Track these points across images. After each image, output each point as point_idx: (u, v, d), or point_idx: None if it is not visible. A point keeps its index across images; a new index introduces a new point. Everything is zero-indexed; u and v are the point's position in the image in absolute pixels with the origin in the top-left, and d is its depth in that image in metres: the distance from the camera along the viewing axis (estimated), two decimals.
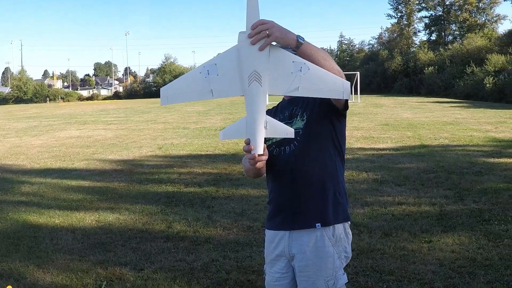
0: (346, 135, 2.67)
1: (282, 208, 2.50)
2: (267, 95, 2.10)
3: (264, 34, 1.98)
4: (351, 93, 38.44)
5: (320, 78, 2.02)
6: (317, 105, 2.43)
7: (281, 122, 2.31)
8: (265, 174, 2.57)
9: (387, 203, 6.85)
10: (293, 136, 2.20)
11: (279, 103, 2.69)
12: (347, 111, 2.48)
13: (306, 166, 2.43)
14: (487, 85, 37.56)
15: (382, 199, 7.09)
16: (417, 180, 8.21)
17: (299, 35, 2.08)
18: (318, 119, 2.44)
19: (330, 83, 2.02)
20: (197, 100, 2.12)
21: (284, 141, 2.47)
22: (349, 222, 2.53)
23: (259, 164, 2.22)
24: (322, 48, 2.21)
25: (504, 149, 11.56)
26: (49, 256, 5.19)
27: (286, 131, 2.16)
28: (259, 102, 2.08)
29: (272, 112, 2.63)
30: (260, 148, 2.15)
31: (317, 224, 2.40)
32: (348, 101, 2.38)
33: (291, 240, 2.46)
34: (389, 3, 72.03)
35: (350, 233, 2.55)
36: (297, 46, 2.08)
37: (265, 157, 2.23)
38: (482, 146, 12.18)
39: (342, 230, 2.47)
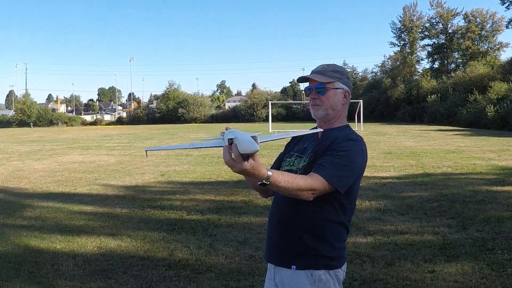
0: None
1: (269, 241, 2.56)
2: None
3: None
4: (354, 121, 38.62)
5: None
6: (326, 154, 2.31)
7: (294, 152, 2.51)
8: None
9: (390, 232, 6.81)
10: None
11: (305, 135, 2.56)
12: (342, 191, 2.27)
13: (293, 210, 2.38)
14: (489, 113, 37.73)
15: (385, 228, 7.05)
16: (420, 209, 8.17)
17: (267, 179, 2.00)
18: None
19: None
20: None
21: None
22: (335, 270, 2.38)
23: None
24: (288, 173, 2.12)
25: (507, 177, 11.55)
26: (50, 282, 5.15)
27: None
28: None
29: (296, 139, 2.65)
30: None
31: (292, 266, 2.36)
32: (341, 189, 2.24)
33: (276, 270, 2.47)
34: (392, 32, 72.70)
35: (340, 274, 2.41)
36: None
37: None
38: (485, 174, 12.17)
39: (325, 274, 2.35)
